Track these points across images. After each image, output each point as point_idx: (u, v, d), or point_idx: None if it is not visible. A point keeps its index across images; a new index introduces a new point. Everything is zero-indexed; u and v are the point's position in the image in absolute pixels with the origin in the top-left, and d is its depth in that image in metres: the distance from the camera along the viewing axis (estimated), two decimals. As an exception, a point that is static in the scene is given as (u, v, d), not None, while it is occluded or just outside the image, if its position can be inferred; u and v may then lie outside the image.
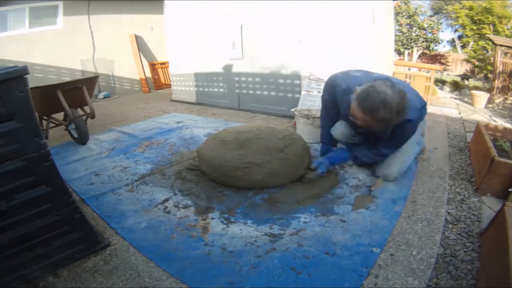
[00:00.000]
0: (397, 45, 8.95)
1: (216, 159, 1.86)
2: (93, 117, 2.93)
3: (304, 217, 1.58)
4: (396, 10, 8.65)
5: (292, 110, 2.84)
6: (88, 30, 5.74)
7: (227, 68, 4.09)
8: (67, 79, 5.24)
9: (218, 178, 1.89)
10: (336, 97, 1.90)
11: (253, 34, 3.65)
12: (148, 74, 6.53)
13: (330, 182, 1.95)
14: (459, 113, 4.36)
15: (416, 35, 9.26)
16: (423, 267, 1.22)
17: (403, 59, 9.60)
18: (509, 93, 5.26)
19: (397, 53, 9.62)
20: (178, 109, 4.46)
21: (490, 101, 5.25)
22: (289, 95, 3.56)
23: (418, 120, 1.74)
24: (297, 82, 3.43)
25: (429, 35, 9.29)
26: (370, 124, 1.55)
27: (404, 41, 9.28)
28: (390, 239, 1.39)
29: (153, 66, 6.55)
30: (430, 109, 4.50)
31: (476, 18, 8.55)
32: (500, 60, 5.33)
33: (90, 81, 2.95)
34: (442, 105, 4.93)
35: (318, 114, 2.27)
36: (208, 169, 1.94)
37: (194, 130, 3.21)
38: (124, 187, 1.96)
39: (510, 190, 1.74)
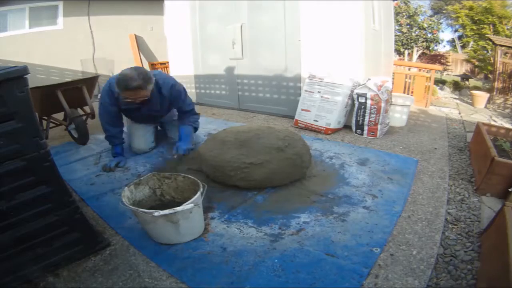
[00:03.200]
0: (397, 45, 8.95)
1: (216, 159, 1.86)
2: (93, 117, 2.92)
3: (304, 217, 1.58)
4: (396, 10, 8.65)
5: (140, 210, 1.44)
6: (88, 30, 5.74)
7: (227, 68, 4.09)
8: (68, 80, 5.24)
9: (218, 178, 1.89)
10: (116, 97, 2.14)
11: (253, 34, 3.65)
12: (148, 74, 6.52)
13: (330, 182, 1.96)
14: (459, 113, 4.36)
15: (416, 35, 9.26)
16: (423, 267, 1.22)
17: (403, 59, 9.60)
18: (509, 94, 5.26)
19: (397, 53, 9.62)
20: (178, 109, 4.45)
21: (490, 101, 5.25)
22: (290, 96, 3.56)
23: (178, 87, 2.27)
24: (297, 82, 3.42)
25: (429, 35, 9.29)
26: (133, 95, 1.93)
27: (404, 41, 9.28)
28: (390, 239, 1.39)
29: (153, 66, 6.54)
30: (430, 109, 4.50)
31: (476, 18, 8.56)
32: (500, 60, 5.33)
33: (90, 81, 2.95)
34: (442, 105, 4.93)
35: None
36: (208, 169, 1.94)
37: (194, 130, 3.20)
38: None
39: (510, 190, 1.74)
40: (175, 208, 1.27)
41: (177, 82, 2.30)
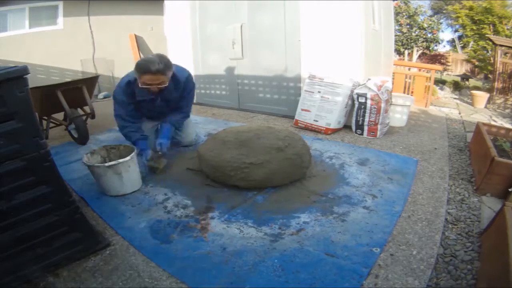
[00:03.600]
0: (397, 45, 8.96)
1: (216, 159, 1.86)
2: (93, 117, 2.93)
3: (304, 217, 1.58)
4: (396, 10, 8.65)
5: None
6: (88, 30, 5.74)
7: (227, 68, 4.09)
8: (68, 80, 5.24)
9: (218, 178, 1.89)
10: (132, 92, 2.15)
11: (253, 34, 3.64)
12: (148, 74, 6.51)
13: (330, 182, 1.96)
14: (459, 113, 4.36)
15: (416, 35, 9.27)
16: (423, 267, 1.22)
17: (403, 59, 9.60)
18: (509, 94, 5.27)
19: (397, 53, 9.62)
20: (178, 109, 4.45)
21: (490, 101, 5.25)
22: (290, 96, 3.56)
23: (192, 80, 2.38)
24: (297, 82, 3.42)
25: (429, 35, 9.30)
26: (152, 80, 1.97)
27: (404, 41, 9.28)
28: (390, 239, 1.39)
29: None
30: (430, 109, 4.50)
31: (476, 18, 8.57)
32: (500, 60, 5.34)
33: (90, 81, 2.95)
34: (442, 105, 4.93)
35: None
36: (208, 169, 1.94)
37: (194, 130, 3.19)
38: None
39: (510, 190, 1.74)
40: (118, 160, 1.73)
41: (190, 74, 2.37)
